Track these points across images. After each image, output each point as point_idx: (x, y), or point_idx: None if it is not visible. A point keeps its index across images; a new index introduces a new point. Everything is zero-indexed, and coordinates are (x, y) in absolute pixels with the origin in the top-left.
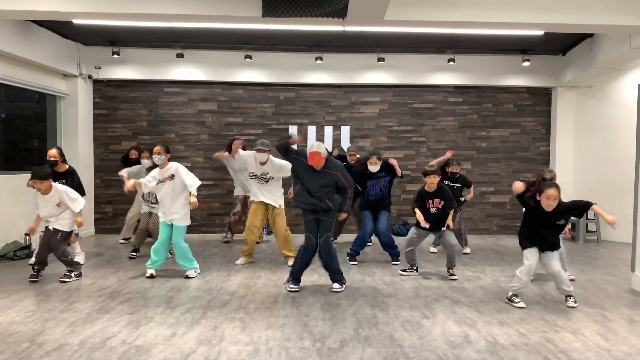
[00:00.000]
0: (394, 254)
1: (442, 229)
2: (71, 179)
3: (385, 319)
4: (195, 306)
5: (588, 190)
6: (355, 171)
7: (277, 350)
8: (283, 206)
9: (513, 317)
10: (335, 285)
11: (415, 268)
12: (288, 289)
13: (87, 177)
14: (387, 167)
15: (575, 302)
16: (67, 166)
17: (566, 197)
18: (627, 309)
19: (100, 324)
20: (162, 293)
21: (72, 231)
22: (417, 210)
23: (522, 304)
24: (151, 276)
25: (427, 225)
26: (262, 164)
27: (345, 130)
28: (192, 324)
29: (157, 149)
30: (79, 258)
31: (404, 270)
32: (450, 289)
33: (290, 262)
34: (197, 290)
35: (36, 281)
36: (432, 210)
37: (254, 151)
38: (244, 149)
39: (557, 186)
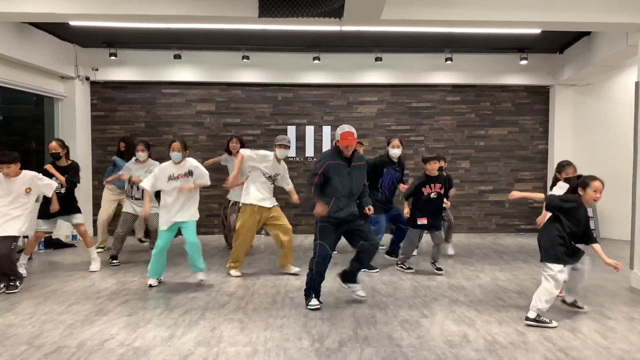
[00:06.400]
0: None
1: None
2: (75, 174)
3: (384, 318)
4: (193, 307)
5: None
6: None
7: (276, 351)
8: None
9: (512, 316)
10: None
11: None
12: (309, 307)
13: (85, 179)
14: (403, 165)
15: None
16: (71, 161)
17: None
18: (626, 307)
19: (99, 326)
20: (160, 294)
21: (19, 236)
22: (406, 204)
23: (554, 323)
24: (150, 286)
25: (424, 222)
26: (279, 161)
27: None
28: (191, 325)
29: (176, 145)
30: (96, 265)
31: (403, 264)
32: (449, 288)
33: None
34: (196, 292)
35: None
36: (433, 195)
37: (269, 151)
38: (243, 145)
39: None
